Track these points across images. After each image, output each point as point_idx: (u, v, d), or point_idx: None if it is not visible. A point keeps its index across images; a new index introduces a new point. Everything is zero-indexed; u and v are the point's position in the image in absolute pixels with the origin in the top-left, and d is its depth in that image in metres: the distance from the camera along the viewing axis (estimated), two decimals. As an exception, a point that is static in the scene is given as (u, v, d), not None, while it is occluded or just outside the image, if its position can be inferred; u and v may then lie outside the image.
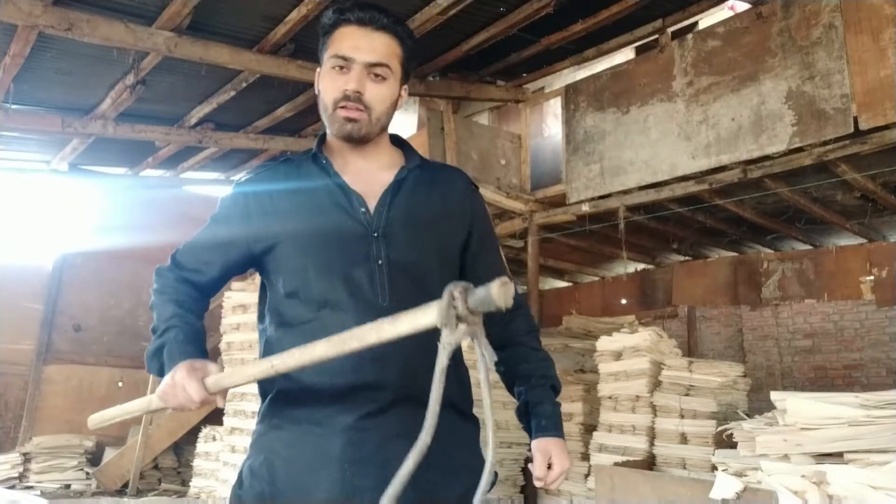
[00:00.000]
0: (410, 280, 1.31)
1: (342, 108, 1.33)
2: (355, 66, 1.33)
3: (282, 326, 1.33)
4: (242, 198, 1.39)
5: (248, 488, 1.28)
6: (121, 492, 6.82)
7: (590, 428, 5.47)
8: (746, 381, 5.10)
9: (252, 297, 5.83)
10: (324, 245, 1.31)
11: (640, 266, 8.86)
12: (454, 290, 0.94)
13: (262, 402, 1.35)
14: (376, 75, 1.34)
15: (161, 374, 1.25)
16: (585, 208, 6.25)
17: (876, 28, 4.54)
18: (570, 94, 6.51)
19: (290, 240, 1.33)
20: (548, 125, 9.18)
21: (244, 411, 5.78)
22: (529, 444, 1.40)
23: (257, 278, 1.49)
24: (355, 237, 1.31)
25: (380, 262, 1.30)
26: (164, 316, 1.32)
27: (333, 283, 1.28)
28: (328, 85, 1.35)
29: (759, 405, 5.07)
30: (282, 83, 5.87)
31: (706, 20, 6.77)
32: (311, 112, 6.88)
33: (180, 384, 1.18)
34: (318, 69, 1.41)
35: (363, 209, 1.34)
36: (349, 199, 1.34)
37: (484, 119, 9.27)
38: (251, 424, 5.61)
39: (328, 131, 1.40)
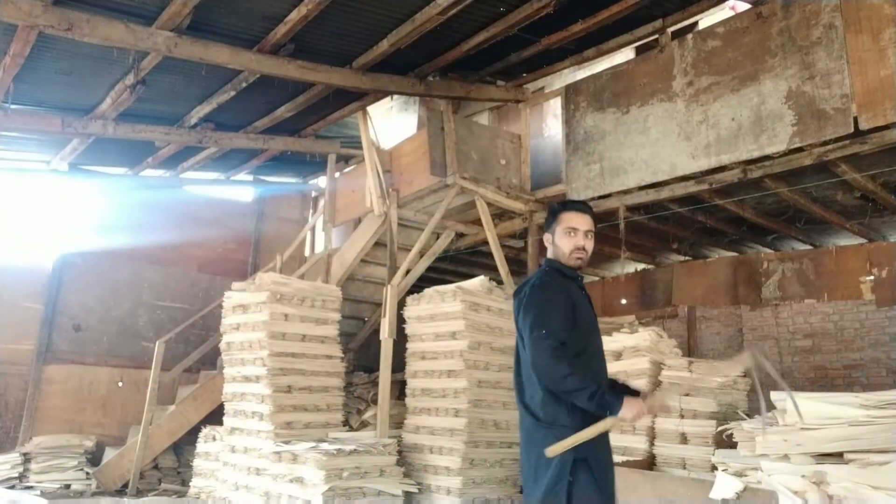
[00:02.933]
0: None
1: (577, 257, 2.54)
2: (580, 233, 2.54)
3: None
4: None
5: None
6: (121, 492, 6.81)
7: (590, 428, 5.45)
8: (746, 381, 5.10)
9: (252, 298, 5.81)
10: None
11: (640, 266, 8.85)
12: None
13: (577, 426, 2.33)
14: (588, 235, 2.56)
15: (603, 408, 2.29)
16: (585, 208, 6.23)
17: (876, 28, 4.54)
18: (570, 94, 6.50)
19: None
20: (548, 125, 9.17)
21: (244, 411, 5.77)
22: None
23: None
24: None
25: None
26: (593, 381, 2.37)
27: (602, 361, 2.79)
28: (566, 242, 2.53)
29: (759, 405, 5.06)
30: (282, 83, 5.87)
31: (706, 20, 6.77)
32: (310, 112, 6.88)
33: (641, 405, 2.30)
34: (547, 233, 2.62)
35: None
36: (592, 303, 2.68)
37: (484, 119, 9.27)
38: (251, 424, 5.63)
39: (561, 262, 2.55)
